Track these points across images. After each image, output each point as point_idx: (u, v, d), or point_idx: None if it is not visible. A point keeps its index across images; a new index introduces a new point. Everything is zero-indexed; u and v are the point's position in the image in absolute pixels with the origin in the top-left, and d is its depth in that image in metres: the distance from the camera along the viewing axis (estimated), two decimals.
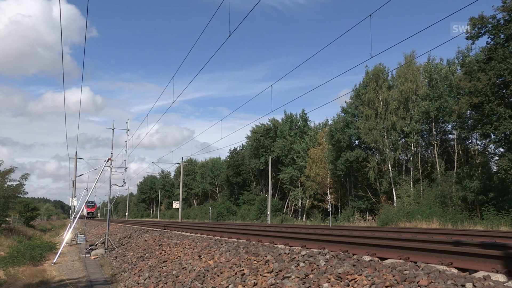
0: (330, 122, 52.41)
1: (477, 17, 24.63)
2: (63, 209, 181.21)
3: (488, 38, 25.03)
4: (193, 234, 15.64)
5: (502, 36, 24.38)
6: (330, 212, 36.93)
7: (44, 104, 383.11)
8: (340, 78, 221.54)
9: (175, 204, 67.06)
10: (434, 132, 37.11)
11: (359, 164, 41.60)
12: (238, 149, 71.90)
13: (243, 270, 7.68)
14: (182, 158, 58.36)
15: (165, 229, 21.55)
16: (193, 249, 11.44)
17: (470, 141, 35.54)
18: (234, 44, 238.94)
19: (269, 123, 60.80)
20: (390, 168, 38.57)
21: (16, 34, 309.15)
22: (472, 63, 27.04)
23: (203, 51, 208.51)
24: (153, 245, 15.43)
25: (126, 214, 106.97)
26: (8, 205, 32.28)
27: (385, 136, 38.63)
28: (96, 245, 21.22)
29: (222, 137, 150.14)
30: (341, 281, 5.48)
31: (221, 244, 10.59)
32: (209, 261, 9.46)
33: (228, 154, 73.65)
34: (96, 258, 18.22)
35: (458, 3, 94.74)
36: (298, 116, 60.91)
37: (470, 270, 5.09)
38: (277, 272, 6.78)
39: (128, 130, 22.84)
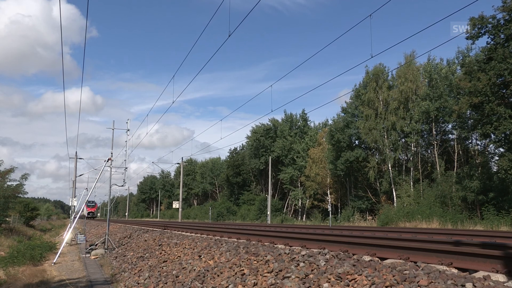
0: (330, 122, 52.48)
1: (477, 17, 24.62)
2: (63, 209, 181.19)
3: (488, 38, 25.04)
4: (193, 234, 15.64)
5: (502, 36, 24.37)
6: (330, 212, 36.93)
7: (44, 104, 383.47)
8: (340, 78, 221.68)
9: (175, 204, 67.05)
10: (434, 132, 37.11)
11: (359, 164, 41.60)
12: (238, 149, 71.97)
13: (243, 270, 7.68)
14: (182, 158, 58.43)
15: (165, 229, 21.55)
16: (193, 249, 11.44)
17: (470, 141, 35.54)
18: (234, 44, 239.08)
19: (269, 123, 60.86)
20: (390, 168, 38.57)
21: (16, 34, 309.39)
22: (472, 63, 27.04)
23: (203, 51, 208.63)
24: (153, 245, 15.43)
25: (126, 214, 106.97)
26: (8, 205, 32.28)
27: (385, 136, 38.63)
28: (96, 245, 21.22)
29: (222, 137, 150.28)
30: (341, 281, 5.48)
31: (221, 244, 10.59)
32: (209, 261, 9.46)
33: (228, 154, 73.77)
34: (96, 258, 18.22)
35: (458, 3, 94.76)
36: (298, 116, 60.97)
37: (470, 270, 5.09)
38: (277, 272, 6.78)
39: (128, 130, 22.86)
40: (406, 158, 39.53)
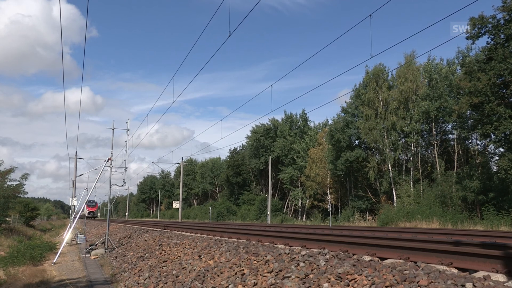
0: (330, 122, 52.48)
1: (477, 17, 24.62)
2: (63, 209, 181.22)
3: (488, 38, 25.04)
4: (193, 234, 15.64)
5: (502, 36, 24.37)
6: (330, 212, 36.93)
7: (44, 104, 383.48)
8: (340, 78, 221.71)
9: (175, 204, 67.05)
10: (434, 132, 37.11)
11: (359, 164, 41.60)
12: (238, 149, 71.98)
13: (243, 270, 7.68)
14: (182, 158, 58.43)
15: (165, 229, 21.55)
16: (193, 249, 11.44)
17: (470, 141, 35.54)
18: (234, 44, 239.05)
19: (269, 123, 60.85)
20: (390, 168, 38.57)
21: (16, 34, 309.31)
22: (472, 63, 27.03)
23: (203, 51, 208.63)
24: (153, 245, 15.43)
25: (126, 214, 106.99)
26: (8, 205, 32.27)
27: (385, 136, 38.63)
28: (96, 245, 21.22)
29: (222, 137, 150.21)
30: (341, 281, 5.48)
31: (221, 244, 10.59)
32: (209, 261, 9.46)
33: (228, 154, 73.78)
34: (96, 258, 18.23)
35: (458, 3, 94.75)
36: (298, 116, 60.98)
37: (470, 270, 5.09)
38: (277, 272, 6.78)
39: (128, 130, 22.86)
40: (406, 158, 39.53)
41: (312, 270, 6.30)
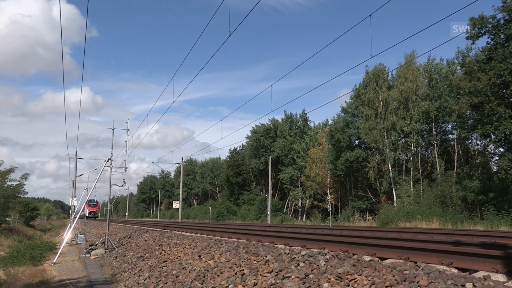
0: (330, 122, 52.48)
1: (477, 17, 24.61)
2: (63, 209, 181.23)
3: (488, 38, 25.04)
4: (193, 234, 15.64)
5: (502, 36, 24.36)
6: (330, 212, 36.93)
7: (44, 104, 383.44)
8: (340, 78, 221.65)
9: (175, 204, 67.04)
10: (434, 132, 37.11)
11: (359, 164, 41.59)
12: (238, 149, 71.97)
13: (243, 270, 7.68)
14: (182, 158, 58.43)
15: (165, 229, 21.55)
16: (193, 249, 11.44)
17: (470, 141, 35.53)
18: (234, 44, 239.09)
19: (269, 123, 60.84)
20: (390, 168, 38.57)
21: (16, 34, 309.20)
22: (472, 63, 27.03)
23: (203, 51, 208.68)
24: (153, 245, 15.43)
25: (126, 214, 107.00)
26: (8, 205, 32.28)
27: (385, 136, 38.62)
28: (96, 245, 21.22)
29: (222, 137, 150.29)
30: (341, 281, 5.48)
31: (221, 244, 10.59)
32: (209, 261, 9.46)
33: (228, 154, 73.77)
34: (96, 258, 18.23)
35: (458, 3, 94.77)
36: (298, 116, 60.97)
37: (470, 270, 5.09)
38: (277, 272, 6.78)
39: (128, 130, 22.86)
40: (406, 158, 39.53)
41: (312, 270, 6.30)
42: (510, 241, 9.41)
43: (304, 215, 54.38)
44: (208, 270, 8.77)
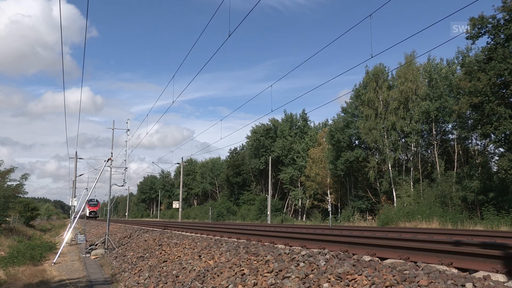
0: (330, 122, 52.47)
1: (477, 17, 24.62)
2: (63, 209, 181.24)
3: (488, 38, 25.04)
4: (193, 234, 15.64)
5: (502, 36, 24.37)
6: (330, 212, 36.93)
7: (44, 104, 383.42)
8: (340, 78, 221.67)
9: (175, 204, 67.06)
10: (434, 132, 37.11)
11: (359, 164, 41.60)
12: (238, 149, 71.97)
13: (243, 270, 7.68)
14: (182, 158, 58.43)
15: (165, 229, 21.55)
16: (193, 249, 11.44)
17: (470, 141, 35.53)
18: (234, 44, 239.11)
19: (269, 123, 60.85)
20: (390, 168, 38.57)
21: (16, 34, 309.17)
22: (472, 63, 27.03)
23: (203, 51, 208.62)
24: (153, 245, 15.43)
25: (126, 214, 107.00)
26: (8, 205, 32.28)
27: (385, 136, 38.62)
28: (96, 245, 21.22)
29: (222, 137, 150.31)
30: (341, 281, 5.48)
31: (221, 244, 10.59)
32: (209, 261, 9.46)
33: (228, 154, 73.77)
34: (96, 258, 18.23)
35: (458, 3, 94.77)
36: (298, 116, 60.98)
37: (470, 270, 5.09)
38: (277, 272, 6.78)
39: (128, 130, 22.86)
40: (406, 158, 39.53)
41: (312, 270, 6.30)
42: (510, 241, 9.41)
43: (304, 215, 54.38)
44: (208, 270, 8.77)
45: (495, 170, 28.92)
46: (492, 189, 27.15)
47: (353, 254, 6.74)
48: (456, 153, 35.49)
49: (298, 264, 6.69)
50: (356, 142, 43.83)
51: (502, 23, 24.25)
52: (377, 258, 6.35)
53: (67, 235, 23.54)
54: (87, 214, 72.69)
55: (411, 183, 37.44)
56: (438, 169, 35.04)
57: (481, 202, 27.51)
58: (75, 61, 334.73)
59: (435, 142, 36.89)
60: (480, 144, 34.27)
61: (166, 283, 9.42)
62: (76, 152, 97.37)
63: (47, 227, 58.60)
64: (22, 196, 36.38)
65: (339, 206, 46.80)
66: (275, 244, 9.38)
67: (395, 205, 36.40)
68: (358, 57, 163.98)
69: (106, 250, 19.43)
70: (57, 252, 18.30)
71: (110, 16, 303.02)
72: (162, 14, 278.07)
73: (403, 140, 39.02)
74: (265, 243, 9.82)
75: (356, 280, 5.34)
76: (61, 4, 10.30)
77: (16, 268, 14.51)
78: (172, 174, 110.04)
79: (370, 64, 60.29)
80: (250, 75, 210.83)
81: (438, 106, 34.52)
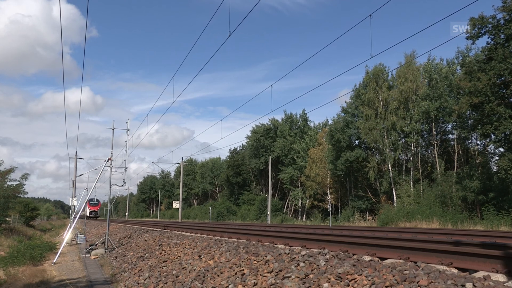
0: (330, 122, 52.48)
1: (477, 17, 24.62)
2: (63, 209, 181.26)
3: (488, 38, 25.04)
4: (193, 234, 15.64)
5: (502, 36, 24.37)
6: (330, 212, 36.93)
7: (44, 104, 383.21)
8: (340, 78, 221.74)
9: (175, 204, 67.06)
10: (434, 132, 37.11)
11: (359, 164, 41.60)
12: (238, 149, 71.98)
13: (243, 270, 7.68)
14: (182, 158, 58.43)
15: (165, 229, 21.55)
16: (193, 249, 11.44)
17: (470, 141, 35.54)
18: (234, 44, 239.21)
19: (269, 123, 60.86)
20: (390, 168, 38.57)
21: (16, 34, 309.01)
22: (472, 63, 27.04)
23: (203, 51, 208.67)
24: (153, 245, 15.43)
25: (126, 214, 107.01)
26: (8, 205, 32.28)
27: (385, 136, 38.63)
28: (96, 245, 21.22)
29: (222, 137, 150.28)
30: (341, 281, 5.48)
31: (221, 244, 10.59)
32: (209, 261, 9.46)
33: (228, 154, 73.78)
34: (96, 258, 18.23)
35: (458, 3, 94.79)
36: (298, 116, 60.99)
37: (470, 270, 5.09)
38: (277, 272, 6.78)
39: (128, 130, 22.86)
40: (406, 158, 39.54)
41: (312, 270, 6.30)
42: (510, 241, 9.41)
43: (304, 215, 54.38)
44: (208, 270, 8.77)
45: (495, 170, 28.92)
46: (492, 189, 27.15)
47: (353, 254, 6.74)
48: (456, 153, 35.49)
49: (298, 264, 6.69)
50: (356, 142, 43.83)
51: (502, 23, 24.26)
52: (377, 258, 6.35)
53: (67, 235, 23.53)
54: (88, 214, 72.62)
55: (411, 183, 37.44)
56: (438, 169, 35.04)
57: (481, 202, 27.51)
58: (75, 61, 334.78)
59: (435, 142, 36.90)
60: (480, 144, 34.29)
61: (166, 283, 9.42)
62: (76, 152, 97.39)
63: (47, 227, 58.60)
64: (22, 196, 36.39)
65: (339, 206, 46.80)
66: (275, 244, 9.38)
67: (395, 205, 36.40)
68: (358, 57, 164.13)
69: (106, 250, 19.43)
70: (57, 252, 18.31)
71: (110, 16, 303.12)
72: (162, 14, 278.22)
73: (403, 140, 39.02)
74: (265, 243, 9.82)
75: (356, 280, 5.34)
76: (61, 4, 10.30)
77: (16, 268, 14.51)
78: (172, 174, 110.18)
79: (370, 64, 60.31)
80: (250, 75, 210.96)
81: (438, 106, 34.52)
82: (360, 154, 40.84)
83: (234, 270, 7.90)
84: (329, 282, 5.61)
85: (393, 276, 5.01)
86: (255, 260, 7.84)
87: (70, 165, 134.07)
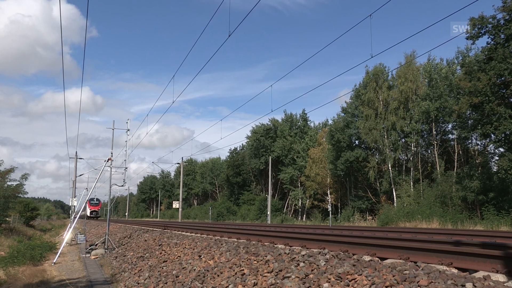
0: (330, 122, 52.49)
1: (477, 17, 24.62)
2: (63, 209, 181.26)
3: (488, 38, 25.05)
4: (193, 234, 15.64)
5: (502, 36, 24.37)
6: (330, 212, 36.94)
7: (44, 104, 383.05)
8: (340, 78, 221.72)
9: (175, 204, 67.06)
10: (434, 132, 37.12)
11: (359, 164, 41.60)
12: (238, 149, 71.99)
13: (243, 270, 7.68)
14: (182, 158, 58.43)
15: (165, 229, 21.55)
16: (193, 249, 11.44)
17: (470, 141, 35.54)
18: (234, 44, 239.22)
19: (269, 123, 60.86)
20: (390, 168, 38.58)
21: (16, 34, 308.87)
22: (472, 63, 27.04)
23: (203, 51, 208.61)
24: (153, 245, 15.43)
25: (126, 214, 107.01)
26: (8, 205, 32.28)
27: (385, 136, 38.63)
28: (96, 245, 21.23)
29: (222, 137, 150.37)
30: (341, 281, 5.48)
31: (221, 244, 10.59)
32: (209, 261, 9.46)
33: (228, 154, 73.79)
34: (96, 258, 18.23)
35: (458, 3, 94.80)
36: (298, 116, 61.00)
37: (470, 270, 5.09)
38: (277, 272, 6.78)
39: (128, 130, 22.86)
40: (406, 158, 39.54)
41: (312, 270, 6.30)
42: (510, 241, 9.41)
43: (304, 215, 54.38)
44: (208, 270, 8.77)
45: (495, 170, 28.92)
46: (492, 189, 27.15)
47: (353, 254, 6.74)
48: (456, 153, 35.49)
49: (298, 264, 6.69)
50: (356, 142, 43.84)
51: (502, 23, 24.26)
52: (377, 258, 6.35)
53: (67, 235, 23.54)
54: (88, 214, 72.45)
55: (411, 183, 37.44)
56: (438, 169, 35.04)
57: (481, 202, 27.51)
58: (75, 61, 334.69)
59: (435, 142, 36.90)
60: (480, 144, 34.29)
61: (166, 283, 9.42)
62: (76, 152, 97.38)
63: (47, 227, 58.60)
64: (22, 196, 36.40)
65: (339, 206, 46.81)
66: (275, 244, 9.38)
67: (395, 205, 36.40)
68: (358, 57, 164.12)
69: (106, 250, 19.43)
70: (57, 252, 18.31)
71: (110, 16, 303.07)
72: (162, 14, 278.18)
73: (403, 140, 39.03)
74: (265, 243, 9.82)
75: (356, 280, 5.34)
76: (61, 4, 10.30)
77: (16, 268, 14.51)
78: (172, 174, 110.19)
79: (370, 64, 60.28)
80: (250, 75, 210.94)
81: (438, 106, 34.53)
82: (360, 154, 40.84)
83: (234, 270, 7.90)
84: (329, 282, 5.61)
85: (393, 276, 5.01)
86: (255, 260, 7.84)
87: (70, 165, 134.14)
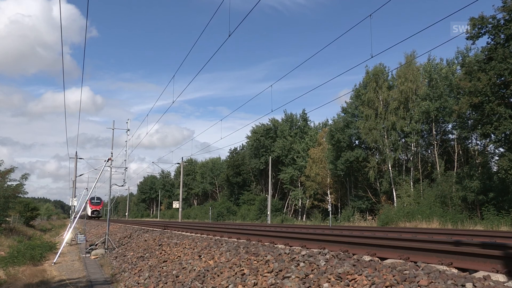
0: (330, 122, 52.51)
1: (477, 17, 24.63)
2: (63, 209, 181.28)
3: (488, 38, 25.05)
4: (193, 234, 15.64)
5: (502, 36, 24.38)
6: (330, 212, 36.95)
7: (44, 104, 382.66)
8: (340, 78, 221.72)
9: (175, 204, 67.05)
10: (434, 132, 37.12)
11: (359, 164, 41.61)
12: (238, 149, 72.00)
13: (243, 270, 7.68)
14: (182, 158, 58.43)
15: (165, 229, 21.55)
16: (193, 249, 11.44)
17: (470, 141, 35.55)
18: (234, 44, 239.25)
19: (269, 123, 60.88)
20: (390, 168, 38.58)
21: (16, 34, 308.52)
22: (472, 63, 27.05)
23: (203, 51, 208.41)
24: (153, 245, 15.44)
25: (126, 214, 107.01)
26: (8, 205, 32.26)
27: (385, 136, 38.64)
28: (96, 245, 21.23)
29: (222, 137, 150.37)
30: (341, 281, 5.48)
31: (221, 244, 10.59)
32: (209, 261, 9.46)
33: (228, 154, 73.80)
34: (96, 258, 18.23)
35: (458, 3, 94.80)
36: (298, 116, 61.02)
37: (470, 270, 5.09)
38: (277, 272, 6.78)
39: (128, 130, 22.86)
40: (406, 158, 39.54)
41: (312, 270, 6.30)
42: (510, 241, 9.42)
43: (304, 215, 54.39)
44: (208, 270, 8.77)
45: (495, 170, 28.93)
46: (492, 189, 27.16)
47: (353, 254, 6.74)
48: (456, 153, 35.50)
49: (298, 264, 6.69)
50: (356, 142, 43.85)
51: (502, 23, 24.26)
52: (377, 258, 6.35)
53: (67, 235, 23.54)
54: (89, 214, 72.09)
55: (411, 183, 37.45)
56: (438, 169, 35.05)
57: (481, 202, 27.52)
58: (75, 61, 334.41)
59: (435, 142, 36.91)
60: (480, 144, 34.30)
61: (166, 283, 9.42)
62: (76, 152, 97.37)
63: (47, 227, 58.61)
64: (22, 196, 36.37)
65: (339, 206, 46.81)
66: (275, 244, 9.38)
67: (395, 205, 36.41)
68: (358, 57, 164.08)
69: (106, 250, 19.43)
70: (57, 252, 18.31)
71: (110, 16, 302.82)
72: (162, 14, 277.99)
73: (403, 140, 39.04)
74: (265, 243, 9.82)
75: (356, 280, 5.34)
76: (61, 4, 10.30)
77: (16, 268, 14.51)
78: (172, 174, 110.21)
79: (370, 64, 60.23)
80: (250, 75, 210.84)
81: (438, 106, 34.53)
82: (360, 154, 40.85)
83: (234, 270, 7.90)
84: (329, 282, 5.61)
85: (393, 276, 5.01)
86: (255, 260, 7.84)
87: (70, 165, 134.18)
